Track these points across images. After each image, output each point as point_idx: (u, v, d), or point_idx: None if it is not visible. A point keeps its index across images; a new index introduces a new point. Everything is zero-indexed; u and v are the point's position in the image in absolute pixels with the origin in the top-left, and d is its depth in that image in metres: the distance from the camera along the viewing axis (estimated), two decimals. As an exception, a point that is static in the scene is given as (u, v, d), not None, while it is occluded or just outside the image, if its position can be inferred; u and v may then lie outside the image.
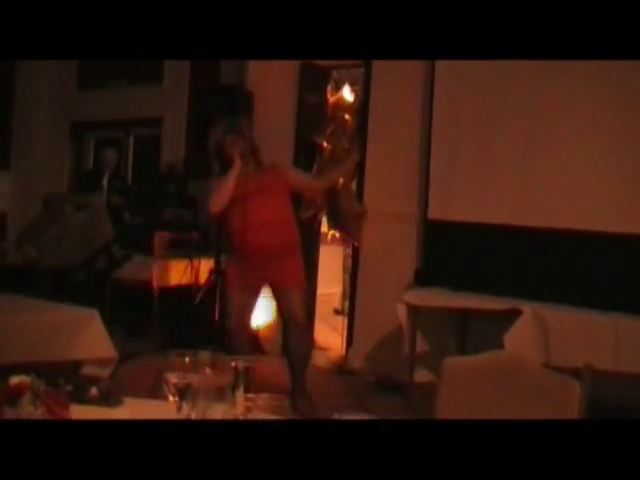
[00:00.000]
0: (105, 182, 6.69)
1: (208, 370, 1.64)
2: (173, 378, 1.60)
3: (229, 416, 1.53)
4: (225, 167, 4.11)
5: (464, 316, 4.86)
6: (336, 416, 1.64)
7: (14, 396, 1.51)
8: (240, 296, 4.09)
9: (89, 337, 3.45)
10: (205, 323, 5.91)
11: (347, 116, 6.07)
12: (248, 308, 4.21)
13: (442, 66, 4.97)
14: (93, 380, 1.95)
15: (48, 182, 7.19)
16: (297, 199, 4.63)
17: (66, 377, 1.67)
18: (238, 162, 4.04)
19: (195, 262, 6.03)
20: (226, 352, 3.95)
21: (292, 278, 4.12)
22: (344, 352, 5.59)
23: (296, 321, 4.13)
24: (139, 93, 7.50)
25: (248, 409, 1.57)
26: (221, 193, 4.05)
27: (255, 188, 4.03)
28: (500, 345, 3.89)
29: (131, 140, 8.00)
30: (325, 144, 5.82)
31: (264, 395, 1.61)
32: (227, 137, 4.12)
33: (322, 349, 5.82)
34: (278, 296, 4.21)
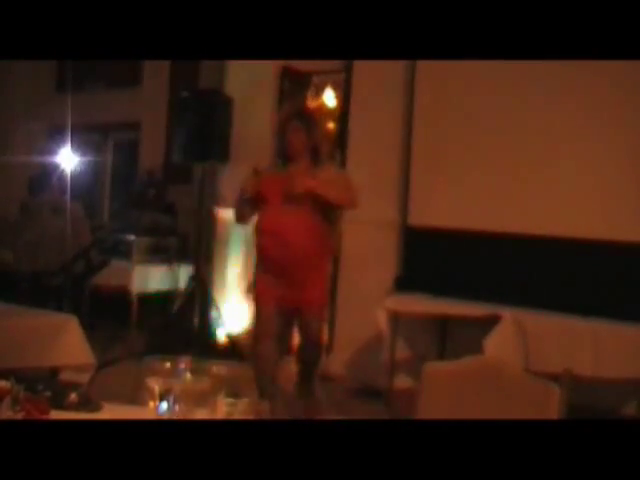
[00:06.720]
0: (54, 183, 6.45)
1: (188, 375, 1.63)
2: (153, 383, 1.58)
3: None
4: (284, 152, 3.79)
5: (444, 322, 4.87)
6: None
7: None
8: (273, 314, 3.74)
9: (67, 343, 3.41)
10: (185, 329, 5.87)
11: (330, 123, 6.07)
12: (281, 331, 3.83)
13: (423, 71, 4.99)
14: (72, 386, 1.92)
15: (25, 186, 7.11)
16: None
17: (44, 383, 1.65)
18: (251, 182, 3.68)
19: (174, 268, 6.01)
20: (255, 377, 3.78)
21: (311, 300, 3.73)
22: (324, 358, 5.58)
23: (309, 342, 3.84)
24: (118, 97, 7.46)
25: (229, 414, 1.56)
26: (240, 210, 3.81)
27: (285, 192, 3.64)
28: (480, 351, 3.90)
29: (110, 144, 7.95)
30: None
31: (245, 400, 1.59)
32: (291, 122, 3.72)
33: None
34: (298, 317, 3.83)
